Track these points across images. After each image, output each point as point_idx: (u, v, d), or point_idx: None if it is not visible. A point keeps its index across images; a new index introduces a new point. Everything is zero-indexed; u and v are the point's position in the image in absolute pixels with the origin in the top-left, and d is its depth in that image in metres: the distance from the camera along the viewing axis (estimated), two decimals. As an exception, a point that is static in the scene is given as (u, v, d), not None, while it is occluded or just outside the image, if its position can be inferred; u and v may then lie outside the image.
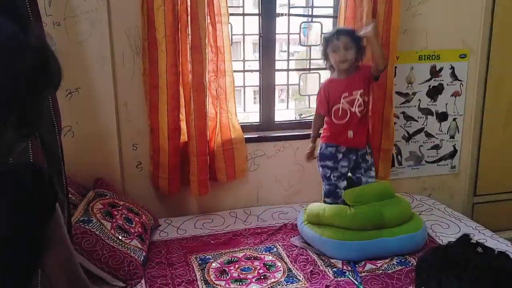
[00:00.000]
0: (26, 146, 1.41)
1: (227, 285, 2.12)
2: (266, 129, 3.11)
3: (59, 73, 0.84)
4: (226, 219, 2.84)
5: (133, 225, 2.35)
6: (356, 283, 2.14)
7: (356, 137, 2.63)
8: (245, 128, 2.98)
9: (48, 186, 0.90)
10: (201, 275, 2.20)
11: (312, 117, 2.91)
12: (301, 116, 3.25)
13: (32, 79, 0.77)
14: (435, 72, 3.22)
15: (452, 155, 3.40)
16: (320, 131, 2.74)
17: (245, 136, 2.94)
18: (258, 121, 3.11)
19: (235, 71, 2.82)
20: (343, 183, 2.64)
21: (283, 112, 3.25)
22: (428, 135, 3.32)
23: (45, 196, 0.90)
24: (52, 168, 1.51)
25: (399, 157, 3.29)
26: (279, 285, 2.12)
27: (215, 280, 2.17)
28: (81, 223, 2.13)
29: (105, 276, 2.07)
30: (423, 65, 3.18)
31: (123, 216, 2.36)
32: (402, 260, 2.36)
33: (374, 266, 2.31)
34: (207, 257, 2.38)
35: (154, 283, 2.12)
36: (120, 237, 2.20)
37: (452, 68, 3.24)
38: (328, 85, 2.67)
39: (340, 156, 2.64)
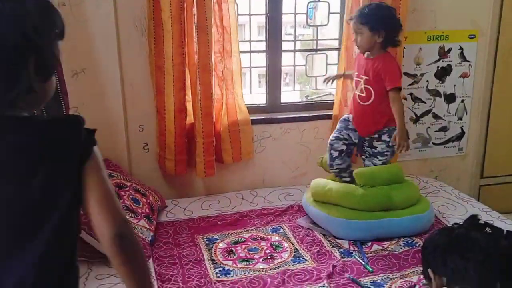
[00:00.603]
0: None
1: (234, 265, 2.13)
2: (272, 111, 3.09)
3: (60, 17, 0.98)
4: (232, 200, 2.85)
5: (140, 206, 2.36)
6: (363, 263, 2.15)
7: (355, 121, 2.62)
8: (251, 109, 2.97)
9: (86, 131, 1.00)
10: (208, 255, 2.21)
11: (318, 99, 2.91)
12: (308, 98, 3.23)
13: (38, 23, 0.91)
14: (443, 53, 3.18)
15: (459, 137, 3.38)
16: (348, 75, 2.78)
17: (251, 118, 2.93)
18: (264, 103, 3.10)
19: (241, 52, 2.79)
20: (338, 146, 2.64)
21: (289, 94, 3.23)
22: (436, 116, 3.29)
23: (84, 139, 0.98)
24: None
25: (406, 138, 3.27)
26: (286, 264, 2.13)
27: (223, 260, 2.18)
28: (88, 204, 2.13)
29: (113, 255, 2.08)
30: (431, 45, 3.14)
31: (130, 196, 2.37)
32: (409, 241, 2.37)
33: (380, 247, 2.32)
34: (214, 237, 2.39)
35: (162, 263, 2.13)
36: (127, 217, 2.20)
37: (461, 48, 3.20)
38: (358, 55, 2.66)
39: (350, 124, 2.64)
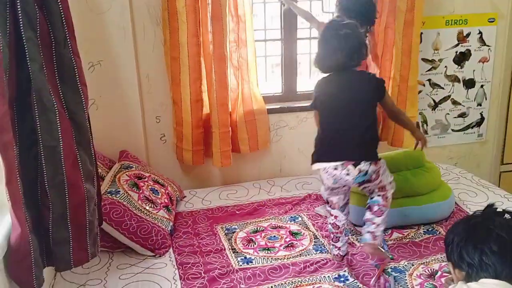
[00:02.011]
0: (54, 119, 1.41)
1: (255, 253, 2.13)
2: (288, 100, 3.07)
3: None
4: (250, 190, 2.85)
5: (159, 196, 2.37)
6: (383, 251, 2.13)
7: None
8: (267, 98, 2.95)
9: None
10: (228, 244, 2.22)
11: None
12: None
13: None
14: (462, 38, 3.12)
15: (479, 123, 3.33)
16: None
17: (267, 107, 2.92)
18: (280, 91, 3.08)
19: (256, 40, 2.77)
20: None
21: (305, 82, 3.20)
22: (455, 102, 3.24)
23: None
24: (80, 139, 1.52)
25: (424, 125, 3.23)
26: (307, 253, 2.12)
27: (243, 248, 2.18)
28: (108, 194, 2.15)
29: (134, 245, 2.10)
30: (450, 30, 3.08)
31: (149, 187, 2.38)
32: (429, 229, 2.34)
33: (401, 235, 2.30)
34: (233, 227, 2.39)
35: (182, 252, 2.14)
36: (147, 208, 2.22)
37: (480, 33, 3.13)
38: None
39: None
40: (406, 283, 1.89)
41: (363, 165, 1.94)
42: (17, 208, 1.30)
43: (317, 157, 2.06)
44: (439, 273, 1.94)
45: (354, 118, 2.00)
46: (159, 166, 2.81)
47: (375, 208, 2.03)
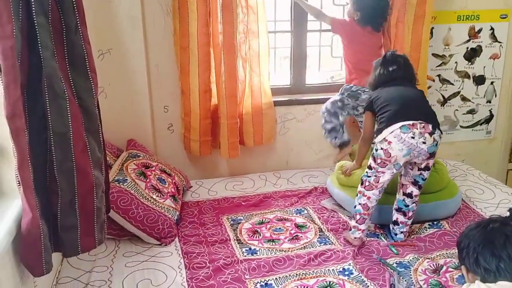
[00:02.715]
0: (64, 106, 1.42)
1: (260, 245, 2.14)
2: (296, 92, 3.06)
3: None
4: (256, 181, 2.85)
5: (166, 185, 2.38)
6: (389, 245, 2.13)
7: None
8: (275, 91, 2.95)
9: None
10: (234, 235, 2.22)
11: (343, 81, 2.87)
12: (333, 79, 3.19)
13: None
14: (473, 33, 3.09)
15: (488, 120, 3.31)
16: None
17: (275, 100, 2.91)
18: (289, 84, 3.07)
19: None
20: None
21: (314, 75, 3.19)
22: (464, 99, 3.22)
23: None
24: (89, 126, 1.52)
25: (433, 121, 3.21)
26: (312, 246, 2.13)
27: (248, 240, 2.19)
28: (116, 183, 2.16)
29: (140, 234, 2.12)
30: (461, 25, 3.06)
31: (156, 176, 2.39)
32: (434, 224, 2.34)
33: (406, 230, 2.29)
34: (239, 218, 2.40)
35: (187, 241, 2.15)
36: (154, 197, 2.23)
37: (492, 29, 3.11)
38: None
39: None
40: (411, 278, 1.88)
41: (436, 135, 2.03)
42: (28, 193, 1.31)
43: (389, 121, 2.04)
44: (444, 268, 1.94)
45: (419, 97, 2.18)
46: (166, 156, 2.82)
47: (410, 213, 2.19)
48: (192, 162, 2.96)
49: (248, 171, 3.01)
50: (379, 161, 2.07)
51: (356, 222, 2.14)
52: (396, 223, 2.20)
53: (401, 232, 2.19)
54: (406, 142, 1.99)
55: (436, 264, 1.97)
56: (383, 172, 2.08)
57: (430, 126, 2.02)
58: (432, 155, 2.07)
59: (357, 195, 2.17)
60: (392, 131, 2.00)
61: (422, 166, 2.11)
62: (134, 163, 2.38)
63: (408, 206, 2.18)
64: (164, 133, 2.86)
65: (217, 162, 2.99)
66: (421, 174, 2.13)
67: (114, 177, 2.21)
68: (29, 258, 1.37)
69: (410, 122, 1.99)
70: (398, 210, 2.20)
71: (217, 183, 2.82)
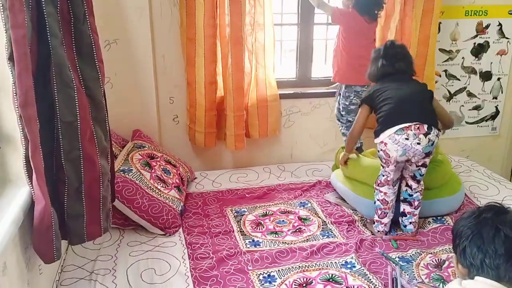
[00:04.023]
0: (72, 95, 1.43)
1: (263, 237, 2.15)
2: (302, 85, 3.06)
3: None
4: (260, 174, 2.86)
5: (171, 176, 2.40)
6: (391, 240, 2.13)
7: None
8: (281, 84, 2.95)
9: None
10: (237, 226, 2.24)
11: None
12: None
13: None
14: (481, 29, 3.08)
15: (493, 116, 3.30)
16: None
17: (280, 93, 2.91)
18: (294, 77, 3.07)
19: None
20: None
21: (320, 68, 3.18)
22: (470, 94, 3.21)
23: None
24: (96, 115, 1.53)
25: (438, 117, 3.20)
26: (315, 238, 2.14)
27: (251, 231, 2.20)
28: (121, 172, 2.18)
29: (145, 223, 2.13)
30: (469, 21, 3.04)
31: (161, 167, 2.41)
32: (438, 218, 2.34)
33: (409, 224, 2.30)
34: (242, 209, 2.41)
35: (191, 232, 2.17)
36: (159, 187, 2.25)
37: (500, 25, 3.09)
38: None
39: None
40: (413, 272, 1.89)
41: (432, 135, 2.05)
42: (41, 181, 1.32)
43: (386, 124, 2.09)
44: (446, 263, 1.94)
45: (418, 94, 2.17)
46: (171, 147, 2.83)
47: (416, 203, 2.21)
48: (196, 154, 2.97)
49: (252, 163, 3.02)
50: (383, 160, 2.14)
51: (378, 216, 2.22)
52: (403, 214, 2.23)
53: (410, 223, 2.21)
54: (401, 144, 2.05)
55: (438, 259, 1.98)
56: (390, 171, 2.14)
57: (425, 127, 2.05)
58: (428, 154, 2.11)
59: (374, 191, 2.24)
60: (388, 134, 2.07)
61: (420, 163, 2.14)
62: (139, 154, 2.39)
63: (412, 195, 2.21)
64: (169, 124, 2.87)
65: (222, 154, 3.00)
66: (419, 169, 2.17)
67: (119, 167, 2.22)
68: (41, 245, 1.39)
69: (406, 125, 2.04)
70: (404, 201, 2.24)
71: (221, 175, 2.83)
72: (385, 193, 2.18)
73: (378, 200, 2.21)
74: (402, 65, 2.22)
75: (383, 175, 2.19)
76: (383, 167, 2.18)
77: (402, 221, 2.25)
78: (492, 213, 1.29)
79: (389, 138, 2.07)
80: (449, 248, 2.07)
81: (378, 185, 2.21)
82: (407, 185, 2.23)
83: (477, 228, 1.25)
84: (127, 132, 2.67)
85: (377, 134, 2.14)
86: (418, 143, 2.04)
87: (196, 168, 2.86)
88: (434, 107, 2.19)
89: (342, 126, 2.81)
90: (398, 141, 2.04)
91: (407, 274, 1.87)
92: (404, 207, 2.23)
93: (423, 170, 2.17)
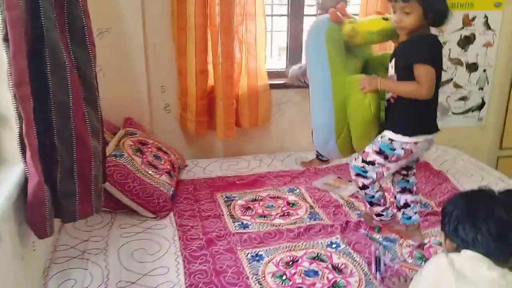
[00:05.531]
0: (65, 76, 1.47)
1: (252, 220, 2.20)
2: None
3: None
4: (251, 162, 2.91)
5: (162, 162, 2.44)
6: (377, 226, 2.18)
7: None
8: (271, 74, 2.99)
9: None
10: (227, 210, 2.29)
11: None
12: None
13: None
14: (467, 21, 3.14)
15: (479, 107, 3.37)
16: None
17: (271, 83, 2.96)
18: (285, 67, 3.12)
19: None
20: None
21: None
22: (457, 86, 3.28)
23: None
24: (88, 96, 1.57)
25: (425, 107, 3.27)
26: (302, 221, 2.20)
27: (241, 215, 2.25)
28: (113, 157, 2.22)
29: (136, 207, 2.18)
30: (455, 13, 3.05)
31: (153, 153, 2.45)
32: (423, 203, 2.40)
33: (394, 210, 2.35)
34: (233, 195, 2.46)
35: (182, 215, 2.22)
36: (150, 172, 2.29)
37: (486, 17, 3.16)
38: None
39: None
40: (396, 251, 1.96)
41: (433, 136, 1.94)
42: (34, 158, 1.37)
43: (419, 129, 1.90)
44: (428, 244, 2.01)
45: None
46: (163, 135, 2.87)
47: (415, 188, 2.10)
48: (188, 143, 3.02)
49: (243, 153, 3.07)
50: (393, 158, 1.95)
51: (382, 205, 2.09)
52: (406, 205, 2.08)
53: (415, 213, 2.07)
54: (421, 147, 1.94)
55: (420, 242, 2.04)
56: (394, 167, 2.01)
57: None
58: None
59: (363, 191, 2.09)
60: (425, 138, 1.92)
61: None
62: (131, 140, 2.44)
63: (409, 181, 2.09)
64: (160, 113, 2.91)
65: (213, 143, 3.05)
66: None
67: (111, 152, 2.26)
68: (35, 220, 1.44)
69: (430, 137, 1.92)
70: (403, 191, 2.09)
71: (212, 163, 2.88)
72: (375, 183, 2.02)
73: (370, 195, 2.05)
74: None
75: (377, 173, 1.96)
76: (380, 164, 1.94)
77: (404, 213, 2.08)
78: (485, 195, 1.38)
79: (425, 140, 1.91)
80: (431, 231, 2.13)
81: (365, 186, 2.01)
82: (399, 173, 2.08)
83: (471, 208, 1.33)
84: (119, 120, 2.71)
85: (410, 131, 1.88)
86: (427, 148, 1.98)
87: (188, 157, 2.90)
88: None
89: None
90: (419, 145, 1.91)
91: (390, 253, 1.93)
92: (405, 197, 2.08)
93: (411, 174, 2.10)
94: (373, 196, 2.04)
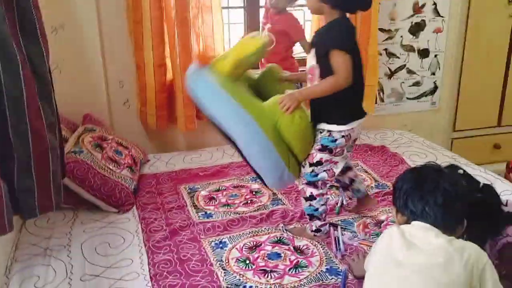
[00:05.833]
0: (17, 70, 1.46)
1: (215, 209, 2.24)
2: (253, 69, 3.13)
3: None
4: (214, 154, 2.93)
5: (123, 157, 2.44)
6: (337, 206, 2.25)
7: None
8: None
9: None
10: (190, 201, 2.31)
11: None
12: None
13: None
14: (417, 8, 3.26)
15: (432, 91, 3.50)
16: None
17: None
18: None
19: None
20: None
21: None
22: (410, 71, 3.39)
23: None
24: (42, 90, 1.56)
25: (381, 93, 3.38)
26: (265, 208, 2.24)
27: (204, 205, 2.28)
28: (72, 153, 2.20)
29: (99, 202, 2.17)
30: (406, 1, 3.21)
31: (113, 148, 2.44)
32: (380, 184, 2.49)
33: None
34: (196, 186, 2.49)
35: (145, 209, 2.22)
36: (111, 167, 2.29)
37: (435, 4, 3.28)
38: None
39: None
40: (354, 230, 2.03)
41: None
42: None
43: (353, 115, 1.89)
44: (385, 222, 2.09)
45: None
46: (123, 131, 2.85)
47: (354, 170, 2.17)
48: (149, 137, 3.01)
49: (205, 145, 3.08)
50: (338, 149, 1.92)
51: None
52: (352, 181, 2.13)
53: (361, 184, 2.16)
54: (357, 132, 1.95)
55: (378, 220, 2.12)
56: (342, 158, 1.98)
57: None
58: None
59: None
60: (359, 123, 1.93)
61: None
62: (90, 136, 2.42)
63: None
64: (120, 109, 2.89)
65: (175, 136, 3.05)
66: None
67: (71, 149, 2.24)
68: None
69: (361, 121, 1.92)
70: (344, 172, 2.08)
71: (175, 156, 2.88)
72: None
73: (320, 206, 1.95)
74: None
75: (326, 170, 1.90)
76: (327, 161, 1.89)
77: (353, 188, 2.15)
78: (432, 170, 1.46)
79: (359, 125, 1.92)
80: (389, 209, 2.22)
81: (312, 197, 1.92)
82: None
83: (419, 182, 1.42)
84: (78, 117, 2.67)
85: (345, 119, 1.86)
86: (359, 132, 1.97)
87: (150, 152, 2.90)
88: None
89: None
90: (355, 130, 1.90)
91: (350, 231, 2.00)
92: (348, 175, 2.12)
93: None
94: (316, 209, 1.94)
